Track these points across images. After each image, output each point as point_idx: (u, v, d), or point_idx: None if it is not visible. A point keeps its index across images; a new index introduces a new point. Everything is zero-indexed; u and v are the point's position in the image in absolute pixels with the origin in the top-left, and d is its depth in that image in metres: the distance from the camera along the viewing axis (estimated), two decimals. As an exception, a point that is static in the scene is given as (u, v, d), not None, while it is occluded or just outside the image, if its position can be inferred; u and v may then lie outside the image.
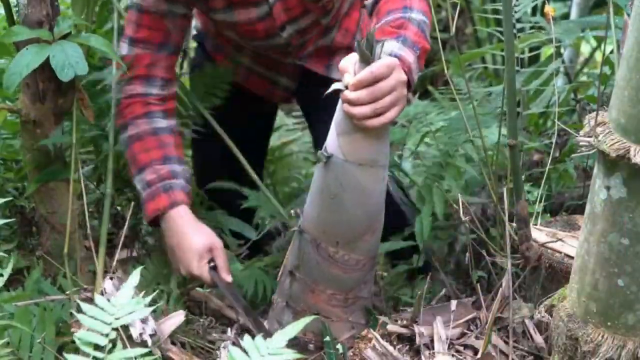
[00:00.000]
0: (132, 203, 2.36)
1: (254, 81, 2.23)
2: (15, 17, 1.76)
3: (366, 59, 1.47)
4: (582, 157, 2.14)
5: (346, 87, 1.48)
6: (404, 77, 1.51)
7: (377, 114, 1.49)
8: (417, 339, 1.60)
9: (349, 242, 1.62)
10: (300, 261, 1.66)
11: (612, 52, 2.39)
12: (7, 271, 1.46)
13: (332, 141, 1.56)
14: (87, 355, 1.23)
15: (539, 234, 1.72)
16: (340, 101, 1.52)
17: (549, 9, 1.80)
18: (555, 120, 1.79)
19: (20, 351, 1.49)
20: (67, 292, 1.67)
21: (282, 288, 1.73)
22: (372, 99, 1.47)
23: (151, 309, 1.33)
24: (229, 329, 1.77)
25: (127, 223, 1.83)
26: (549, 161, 1.86)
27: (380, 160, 1.57)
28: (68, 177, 1.86)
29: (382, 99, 1.48)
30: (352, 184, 1.56)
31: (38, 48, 1.65)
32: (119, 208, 2.35)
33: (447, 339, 1.59)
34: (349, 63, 1.51)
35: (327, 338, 1.62)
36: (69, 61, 1.64)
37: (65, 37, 1.70)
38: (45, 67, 1.66)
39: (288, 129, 3.24)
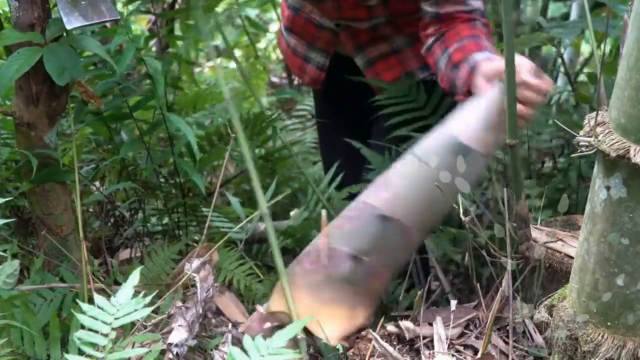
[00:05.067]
0: (133, 203, 2.37)
1: (290, 56, 2.24)
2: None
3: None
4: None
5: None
6: None
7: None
8: (411, 335, 1.59)
9: (428, 224, 1.69)
10: (372, 246, 1.63)
11: (611, 52, 2.40)
12: (13, 272, 1.47)
13: (473, 132, 1.61)
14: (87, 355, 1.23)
15: (539, 234, 1.72)
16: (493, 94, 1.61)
17: None
18: (555, 119, 1.79)
19: (25, 346, 1.50)
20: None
21: (331, 274, 1.65)
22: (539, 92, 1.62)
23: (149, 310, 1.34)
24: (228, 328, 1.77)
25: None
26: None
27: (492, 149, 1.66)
28: (63, 180, 1.86)
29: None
30: (470, 171, 1.60)
31: (29, 52, 1.65)
32: (121, 209, 2.35)
33: (447, 339, 1.59)
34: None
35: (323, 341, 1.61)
36: (64, 65, 1.64)
37: (57, 39, 1.69)
38: (38, 70, 1.66)
39: (289, 129, 3.25)
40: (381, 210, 1.62)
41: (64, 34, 1.71)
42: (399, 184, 1.65)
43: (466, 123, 1.64)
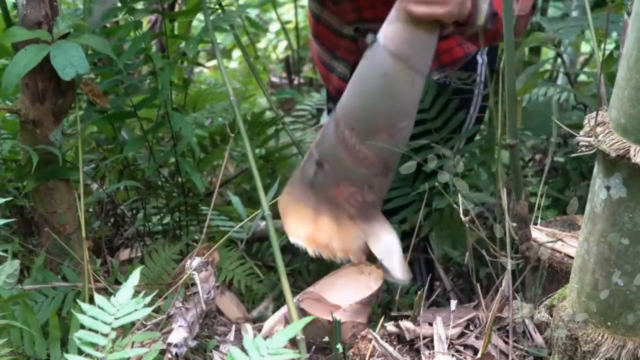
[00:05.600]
0: (133, 203, 2.37)
1: (317, 63, 2.24)
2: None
3: None
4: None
5: None
6: None
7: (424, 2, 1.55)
8: (411, 335, 1.59)
9: (364, 132, 1.65)
10: (332, 154, 1.69)
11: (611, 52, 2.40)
12: (14, 272, 1.47)
13: (382, 28, 1.63)
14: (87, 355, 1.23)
15: (539, 234, 1.72)
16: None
17: None
18: (555, 119, 1.78)
19: (25, 346, 1.50)
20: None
21: (303, 175, 1.75)
22: None
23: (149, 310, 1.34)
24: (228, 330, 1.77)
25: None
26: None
27: (418, 64, 1.61)
28: (67, 177, 1.86)
29: None
30: (382, 71, 1.61)
31: (37, 49, 1.65)
32: (122, 208, 2.35)
33: (447, 339, 1.59)
34: None
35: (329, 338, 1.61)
36: (70, 61, 1.64)
37: (64, 37, 1.70)
38: (45, 67, 1.66)
39: (289, 129, 3.24)
40: (336, 116, 1.69)
41: (71, 31, 1.71)
42: (347, 91, 1.71)
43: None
